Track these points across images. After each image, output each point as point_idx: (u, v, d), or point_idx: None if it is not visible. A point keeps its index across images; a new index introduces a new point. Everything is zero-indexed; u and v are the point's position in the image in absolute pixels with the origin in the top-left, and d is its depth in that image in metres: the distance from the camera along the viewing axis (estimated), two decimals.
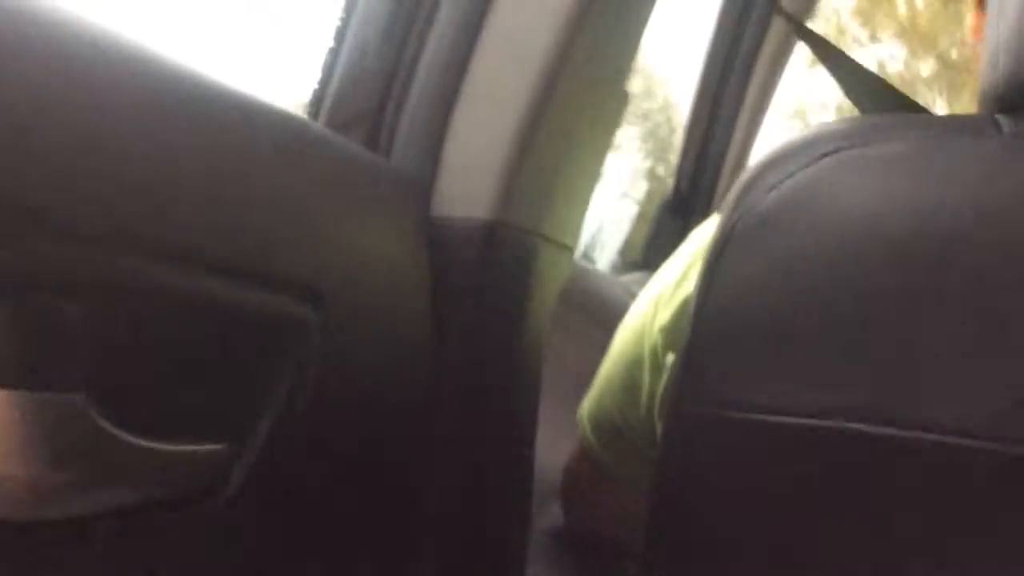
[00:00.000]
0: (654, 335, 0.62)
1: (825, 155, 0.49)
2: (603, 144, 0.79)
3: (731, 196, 0.54)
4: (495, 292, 0.69)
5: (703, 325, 0.52)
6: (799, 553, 0.48)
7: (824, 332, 0.46)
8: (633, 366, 0.65)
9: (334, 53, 0.73)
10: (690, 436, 0.52)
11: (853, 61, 0.81)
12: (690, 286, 0.58)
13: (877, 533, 0.45)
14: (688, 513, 0.53)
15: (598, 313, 1.08)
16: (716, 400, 0.50)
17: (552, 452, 0.81)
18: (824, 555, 0.47)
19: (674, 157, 1.60)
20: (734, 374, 0.50)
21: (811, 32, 0.97)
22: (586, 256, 1.61)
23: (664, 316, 0.61)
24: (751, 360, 0.49)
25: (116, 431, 0.44)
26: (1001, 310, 0.43)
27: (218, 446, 0.51)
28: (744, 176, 0.54)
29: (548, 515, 0.88)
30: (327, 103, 0.72)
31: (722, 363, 0.51)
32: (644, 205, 1.70)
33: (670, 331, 0.60)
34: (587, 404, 0.73)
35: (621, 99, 0.79)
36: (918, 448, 0.43)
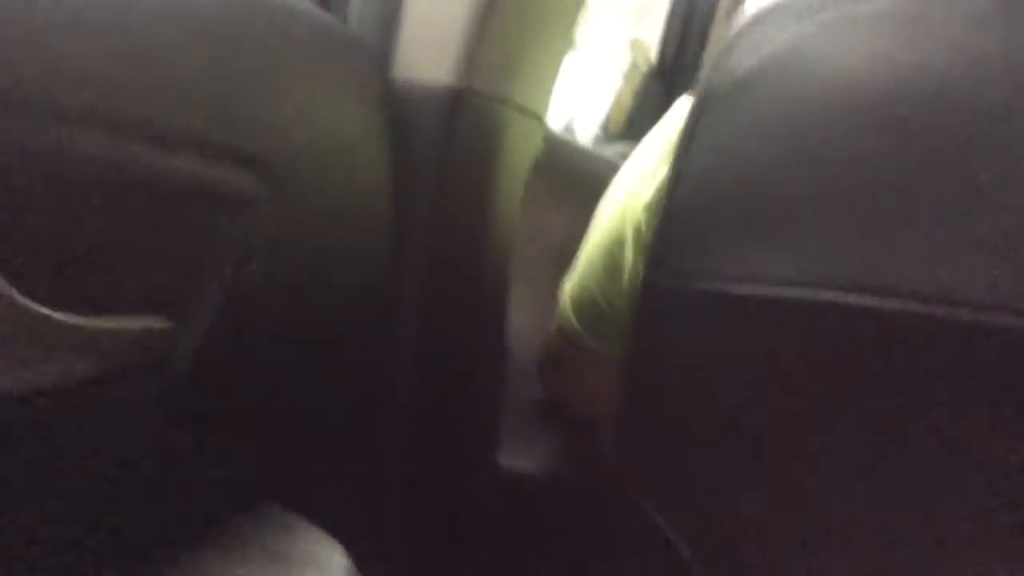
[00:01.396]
0: (637, 213, 0.60)
1: (811, 14, 0.46)
2: (574, 6, 0.74)
3: (714, 58, 0.51)
4: (461, 163, 0.65)
5: (679, 192, 0.49)
6: (770, 424, 0.46)
7: (803, 198, 0.44)
8: (615, 246, 0.63)
9: None
10: (662, 309, 0.51)
11: None
12: None
13: (852, 405, 0.43)
14: (660, 385, 0.52)
15: (578, 187, 1.05)
16: (689, 271, 0.48)
17: (532, 329, 0.80)
18: (796, 427, 0.45)
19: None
20: (708, 243, 0.48)
21: None
22: (568, 129, 1.56)
23: (647, 192, 0.59)
24: (726, 228, 0.47)
25: (32, 305, 0.41)
26: (992, 173, 0.40)
27: (159, 322, 0.48)
28: (728, 37, 0.51)
29: (525, 391, 0.88)
30: None
31: (696, 232, 0.49)
32: (628, 75, 1.64)
33: (654, 207, 0.58)
34: (569, 286, 0.71)
35: None
36: (902, 318, 0.41)
